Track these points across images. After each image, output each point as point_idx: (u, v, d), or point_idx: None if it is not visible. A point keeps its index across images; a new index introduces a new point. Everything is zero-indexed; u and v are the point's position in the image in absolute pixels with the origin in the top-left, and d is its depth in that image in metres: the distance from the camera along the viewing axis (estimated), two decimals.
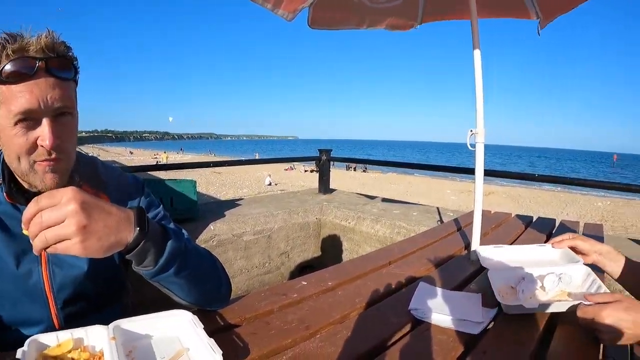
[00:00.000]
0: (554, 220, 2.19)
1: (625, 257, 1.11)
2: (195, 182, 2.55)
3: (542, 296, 1.02)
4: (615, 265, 1.10)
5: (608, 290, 0.96)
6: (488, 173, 2.91)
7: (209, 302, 0.94)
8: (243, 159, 4.16)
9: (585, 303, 0.91)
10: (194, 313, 0.81)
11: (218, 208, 2.99)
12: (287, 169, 27.27)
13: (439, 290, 1.13)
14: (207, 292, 0.91)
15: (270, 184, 17.95)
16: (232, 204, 3.21)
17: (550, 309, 0.96)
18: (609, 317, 0.79)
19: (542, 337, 0.91)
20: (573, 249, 1.18)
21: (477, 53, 1.50)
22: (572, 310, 0.92)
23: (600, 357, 0.85)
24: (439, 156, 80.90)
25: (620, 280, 1.11)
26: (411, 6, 2.01)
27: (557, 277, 1.06)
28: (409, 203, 3.74)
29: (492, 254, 1.32)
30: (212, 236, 2.50)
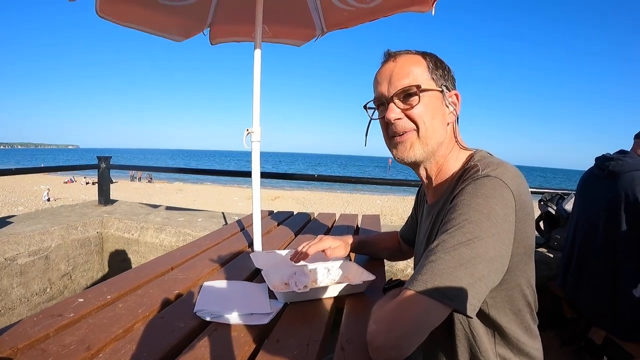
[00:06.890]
0: (334, 214, 2.45)
1: (352, 236, 1.40)
2: None
3: (313, 286, 1.13)
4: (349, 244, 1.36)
5: (373, 276, 1.12)
6: (266, 175, 3.07)
7: None
8: (13, 167, 3.30)
9: (353, 284, 1.08)
10: None
11: None
12: (67, 182, 24.09)
13: (223, 288, 1.15)
14: None
15: (49, 200, 15.47)
16: (2, 222, 2.75)
17: (325, 294, 1.08)
18: None
19: (333, 320, 1.00)
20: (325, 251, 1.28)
21: (257, 53, 1.59)
22: (347, 294, 1.08)
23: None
24: (217, 162, 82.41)
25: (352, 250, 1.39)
26: (202, 10, 2.03)
27: (325, 269, 1.22)
28: (193, 210, 3.72)
29: (264, 257, 1.43)
30: None
